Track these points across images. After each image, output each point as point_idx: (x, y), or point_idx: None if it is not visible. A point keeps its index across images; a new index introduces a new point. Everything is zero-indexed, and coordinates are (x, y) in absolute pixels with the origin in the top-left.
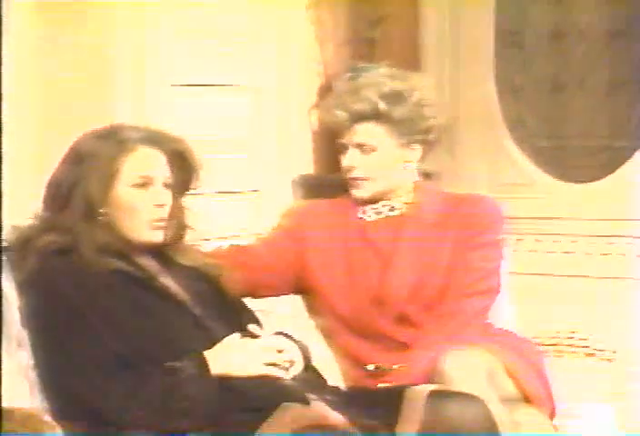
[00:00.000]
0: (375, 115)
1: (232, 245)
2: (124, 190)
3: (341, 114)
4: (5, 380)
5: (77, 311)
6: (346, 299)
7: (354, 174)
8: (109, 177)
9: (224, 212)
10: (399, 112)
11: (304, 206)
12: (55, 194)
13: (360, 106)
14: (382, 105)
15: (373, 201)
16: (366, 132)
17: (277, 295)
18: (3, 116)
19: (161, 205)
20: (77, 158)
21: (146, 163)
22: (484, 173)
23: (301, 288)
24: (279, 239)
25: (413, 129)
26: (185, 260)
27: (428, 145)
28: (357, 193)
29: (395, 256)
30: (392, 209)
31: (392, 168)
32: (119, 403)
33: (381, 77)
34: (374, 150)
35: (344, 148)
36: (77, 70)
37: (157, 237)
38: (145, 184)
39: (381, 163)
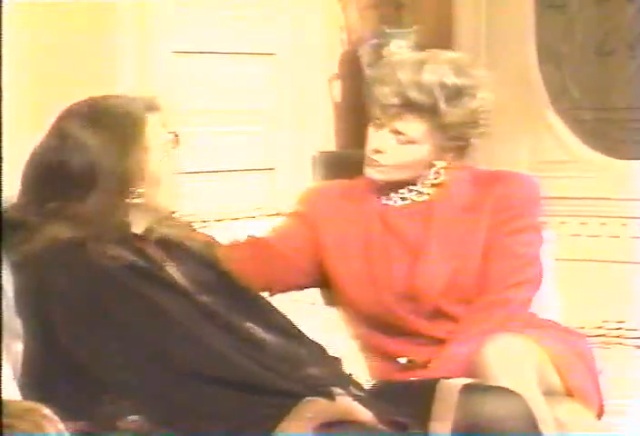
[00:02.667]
0: (431, 112)
1: (248, 237)
2: (153, 162)
3: (393, 99)
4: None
5: (78, 304)
6: (369, 295)
7: (377, 157)
8: (137, 153)
9: (236, 191)
10: (456, 116)
11: (319, 190)
12: (62, 183)
13: (417, 97)
14: (442, 105)
15: (391, 185)
16: (412, 124)
17: (295, 290)
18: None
19: (179, 172)
20: (81, 143)
21: (159, 131)
22: (523, 148)
23: (320, 281)
24: (294, 229)
25: (460, 135)
26: (166, 230)
27: (464, 150)
28: (372, 174)
29: (424, 246)
30: (419, 194)
31: (420, 163)
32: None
33: (446, 64)
34: (410, 143)
35: (377, 125)
36: (78, 37)
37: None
38: (165, 152)
39: (411, 157)
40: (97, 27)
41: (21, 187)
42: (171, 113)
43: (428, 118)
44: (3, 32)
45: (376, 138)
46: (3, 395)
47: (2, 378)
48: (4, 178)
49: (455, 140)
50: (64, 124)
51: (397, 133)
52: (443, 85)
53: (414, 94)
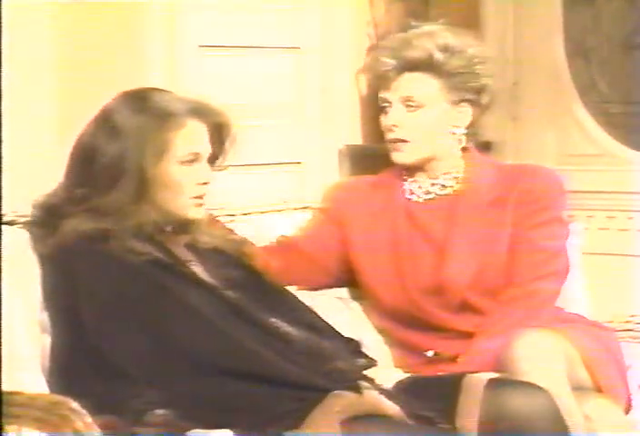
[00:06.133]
0: (428, 65)
1: (279, 238)
2: (172, 167)
3: (389, 62)
4: (27, 366)
5: (104, 297)
6: (396, 289)
7: (396, 134)
8: (161, 153)
9: (264, 184)
10: (454, 64)
11: (344, 186)
12: (93, 169)
13: (412, 53)
14: (437, 55)
15: (417, 170)
16: (416, 83)
17: (320, 290)
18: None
19: (205, 183)
20: (117, 130)
21: (196, 139)
22: (550, 142)
23: (346, 281)
24: (321, 227)
25: (465, 85)
26: (207, 238)
27: (479, 109)
28: (397, 156)
29: (449, 242)
30: (442, 187)
31: (438, 130)
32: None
33: (434, 30)
34: (421, 106)
35: (386, 104)
36: (106, 31)
37: (200, 214)
38: (192, 161)
39: (427, 123)
40: (125, 22)
41: (65, 168)
42: (221, 119)
43: (429, 73)
44: (3, 32)
45: (389, 116)
46: (31, 389)
47: (2, 373)
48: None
49: (463, 91)
50: (107, 110)
51: (405, 100)
52: (433, 41)
53: (409, 53)
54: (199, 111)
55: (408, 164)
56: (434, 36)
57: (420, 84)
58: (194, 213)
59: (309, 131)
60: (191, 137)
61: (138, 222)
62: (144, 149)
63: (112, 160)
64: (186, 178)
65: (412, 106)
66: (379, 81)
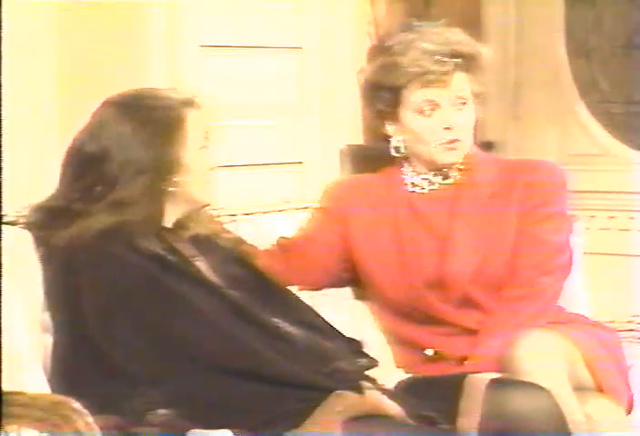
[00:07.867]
0: (473, 61)
1: (279, 239)
2: (189, 156)
3: (448, 61)
4: (28, 366)
5: (106, 296)
6: (399, 282)
7: (452, 135)
8: (180, 145)
9: (265, 184)
10: (485, 58)
11: (344, 183)
12: (103, 170)
13: (464, 49)
14: (478, 48)
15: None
16: (463, 81)
17: (321, 289)
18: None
19: (213, 167)
20: (125, 134)
21: (198, 126)
22: (552, 141)
23: (347, 281)
24: (322, 226)
25: (479, 72)
26: (199, 228)
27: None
28: (451, 156)
29: (452, 233)
30: (445, 178)
31: (474, 123)
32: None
33: (440, 32)
34: (465, 103)
35: (431, 105)
36: (106, 31)
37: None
38: (205, 146)
39: (471, 119)
40: (125, 22)
41: (61, 175)
42: (208, 110)
43: (470, 68)
44: (3, 32)
45: (443, 118)
46: (33, 389)
47: (2, 373)
48: (4, 176)
49: (479, 80)
50: (106, 113)
51: (456, 99)
52: (459, 36)
53: (461, 48)
54: (190, 101)
55: (456, 163)
56: (454, 33)
57: (465, 82)
58: (210, 198)
59: (310, 131)
60: (193, 125)
61: (155, 214)
62: (161, 145)
63: (122, 160)
64: (200, 164)
65: (458, 105)
66: (426, 82)
